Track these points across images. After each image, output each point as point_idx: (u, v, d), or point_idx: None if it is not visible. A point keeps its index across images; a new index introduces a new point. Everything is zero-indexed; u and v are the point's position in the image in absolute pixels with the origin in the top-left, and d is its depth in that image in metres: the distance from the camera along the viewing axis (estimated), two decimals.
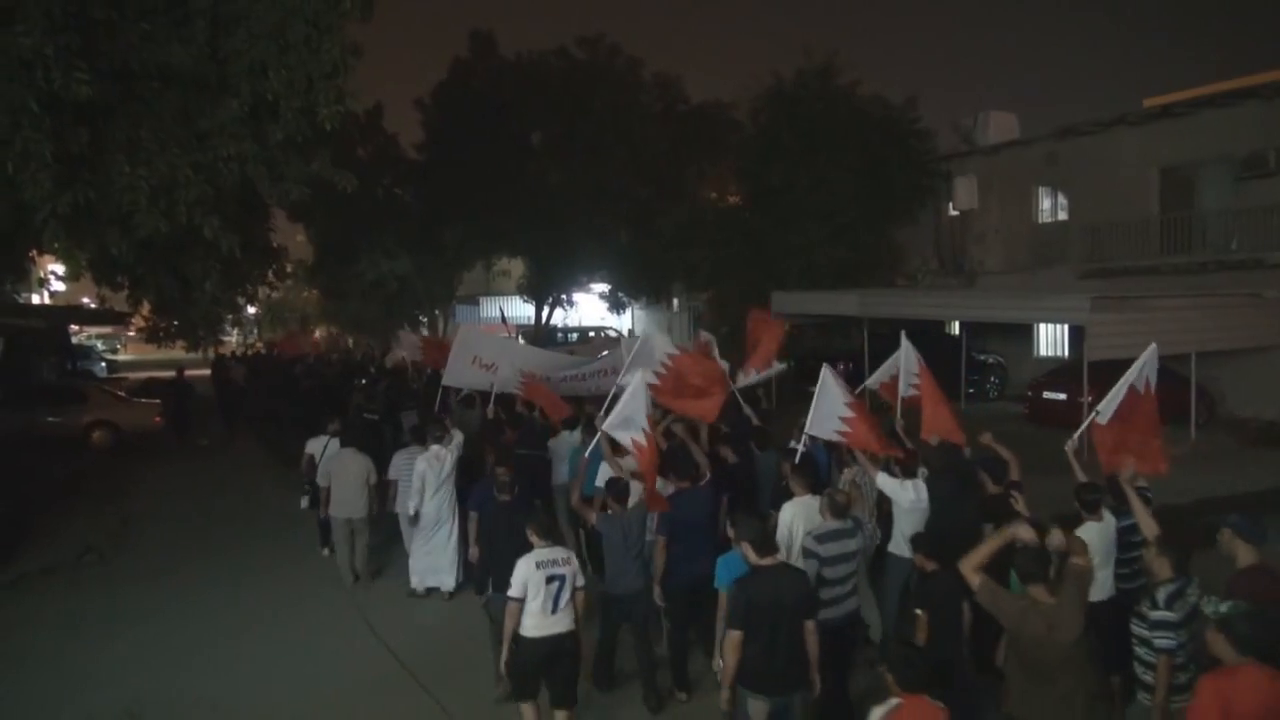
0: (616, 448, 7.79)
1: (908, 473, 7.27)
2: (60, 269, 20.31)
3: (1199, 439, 15.82)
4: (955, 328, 23.04)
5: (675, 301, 35.89)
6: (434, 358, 16.53)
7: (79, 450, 17.75)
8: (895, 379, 9.69)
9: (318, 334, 44.90)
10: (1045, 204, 23.26)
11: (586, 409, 10.32)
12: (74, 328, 36.04)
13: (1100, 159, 20.72)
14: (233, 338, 48.59)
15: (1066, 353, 21.33)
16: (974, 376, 21.25)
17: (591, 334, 33.72)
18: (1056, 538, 5.29)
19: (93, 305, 35.14)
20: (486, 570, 7.17)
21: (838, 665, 5.45)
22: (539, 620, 5.82)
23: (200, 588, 9.81)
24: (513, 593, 5.80)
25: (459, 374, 12.02)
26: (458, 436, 9.41)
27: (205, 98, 9.74)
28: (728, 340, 23.71)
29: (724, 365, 10.40)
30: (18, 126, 8.24)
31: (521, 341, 27.54)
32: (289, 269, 33.65)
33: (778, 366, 12.06)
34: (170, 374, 22.13)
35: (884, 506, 7.62)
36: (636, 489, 7.28)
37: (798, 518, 6.63)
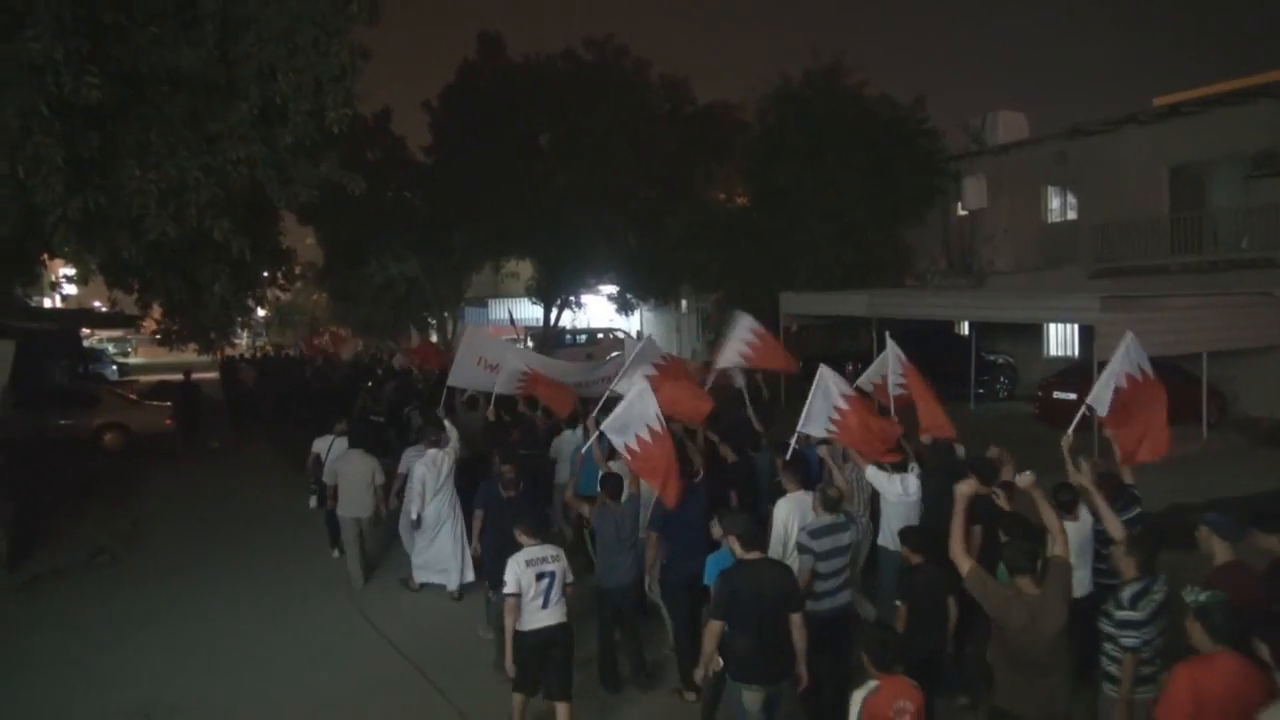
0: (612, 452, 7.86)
1: (898, 468, 7.41)
2: (71, 272, 20.38)
3: (1211, 439, 15.73)
4: (965, 328, 22.97)
5: (683, 303, 35.89)
6: (424, 356, 16.65)
7: (90, 452, 17.84)
8: (886, 379, 9.70)
9: (327, 336, 45.06)
10: (1055, 203, 23.17)
11: (586, 408, 10.42)
12: (85, 331, 36.23)
13: (1110, 158, 20.63)
14: (243, 340, 48.77)
15: (1077, 353, 21.23)
16: (983, 377, 21.18)
17: (600, 335, 33.71)
18: (1025, 478, 5.34)
19: (104, 309, 35.34)
20: (495, 566, 7.27)
21: (831, 656, 5.49)
22: (533, 615, 6.04)
23: (210, 588, 9.85)
24: (508, 589, 6.01)
25: (464, 375, 12.07)
26: (453, 438, 9.47)
27: (214, 101, 9.79)
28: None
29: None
30: (28, 130, 8.30)
31: (530, 344, 27.62)
32: (298, 271, 33.77)
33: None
34: (180, 377, 22.24)
35: (877, 501, 7.75)
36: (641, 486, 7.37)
37: (792, 514, 6.73)
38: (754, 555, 5.53)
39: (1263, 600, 4.77)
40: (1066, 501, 6.18)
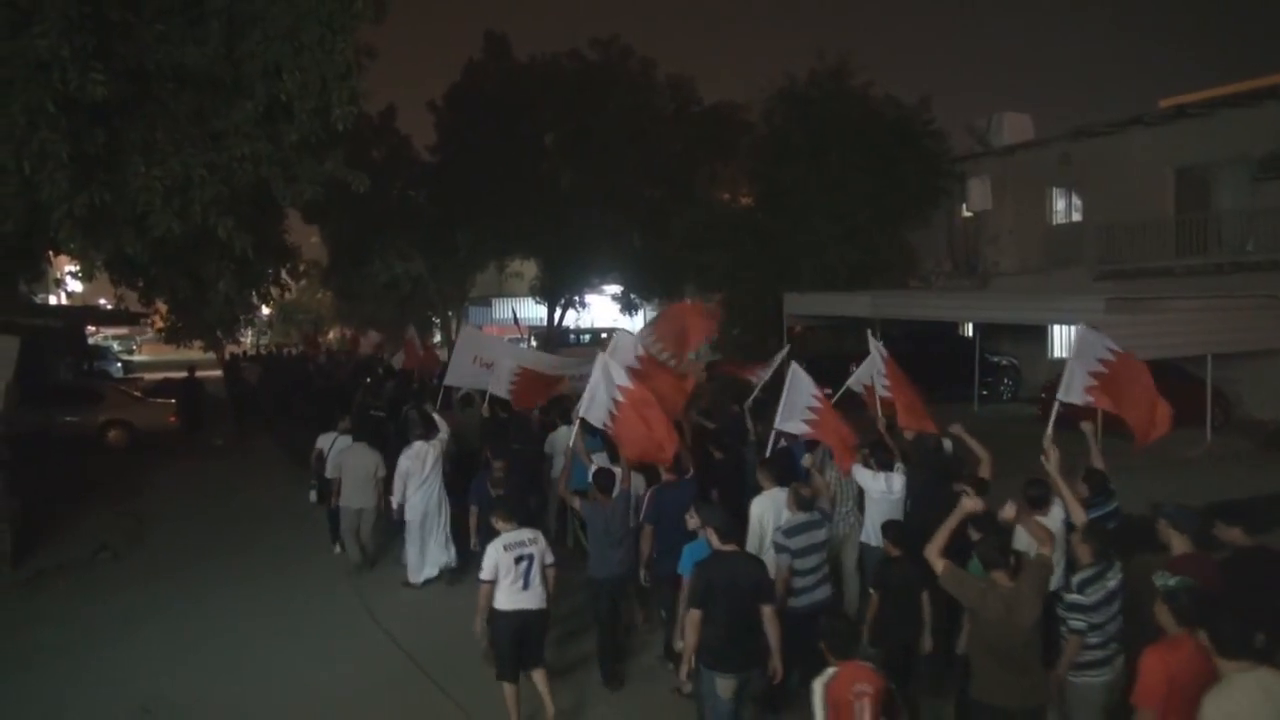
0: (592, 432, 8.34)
1: (883, 465, 7.57)
2: (75, 269, 20.45)
3: (1215, 441, 15.70)
4: (969, 329, 22.94)
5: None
6: (419, 363, 16.94)
7: (94, 449, 17.87)
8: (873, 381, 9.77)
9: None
10: (1060, 205, 23.14)
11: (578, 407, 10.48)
12: (90, 328, 36.30)
13: (1115, 160, 20.59)
14: (248, 338, 48.84)
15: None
16: (987, 379, 21.16)
17: (604, 335, 33.69)
18: (1009, 509, 5.58)
19: (109, 306, 35.41)
20: None
21: (806, 651, 5.53)
22: (511, 596, 6.28)
23: (212, 585, 9.86)
24: (483, 575, 6.30)
25: (461, 373, 12.28)
26: (443, 432, 9.66)
27: (220, 98, 9.82)
28: (735, 343, 23.79)
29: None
30: (35, 127, 8.32)
31: (534, 344, 27.62)
32: (303, 269, 33.81)
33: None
34: (183, 374, 22.28)
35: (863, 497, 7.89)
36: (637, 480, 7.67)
37: (767, 511, 6.92)
38: (730, 547, 5.70)
39: (1219, 588, 4.95)
40: (1037, 497, 6.29)
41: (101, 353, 37.43)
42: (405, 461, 9.41)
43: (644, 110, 29.99)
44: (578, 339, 33.05)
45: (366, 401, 13.87)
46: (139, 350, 54.34)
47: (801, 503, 6.60)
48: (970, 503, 5.42)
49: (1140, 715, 4.22)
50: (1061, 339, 22.53)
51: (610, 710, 6.95)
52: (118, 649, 8.22)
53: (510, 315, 38.31)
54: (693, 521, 6.25)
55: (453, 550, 9.56)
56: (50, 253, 13.99)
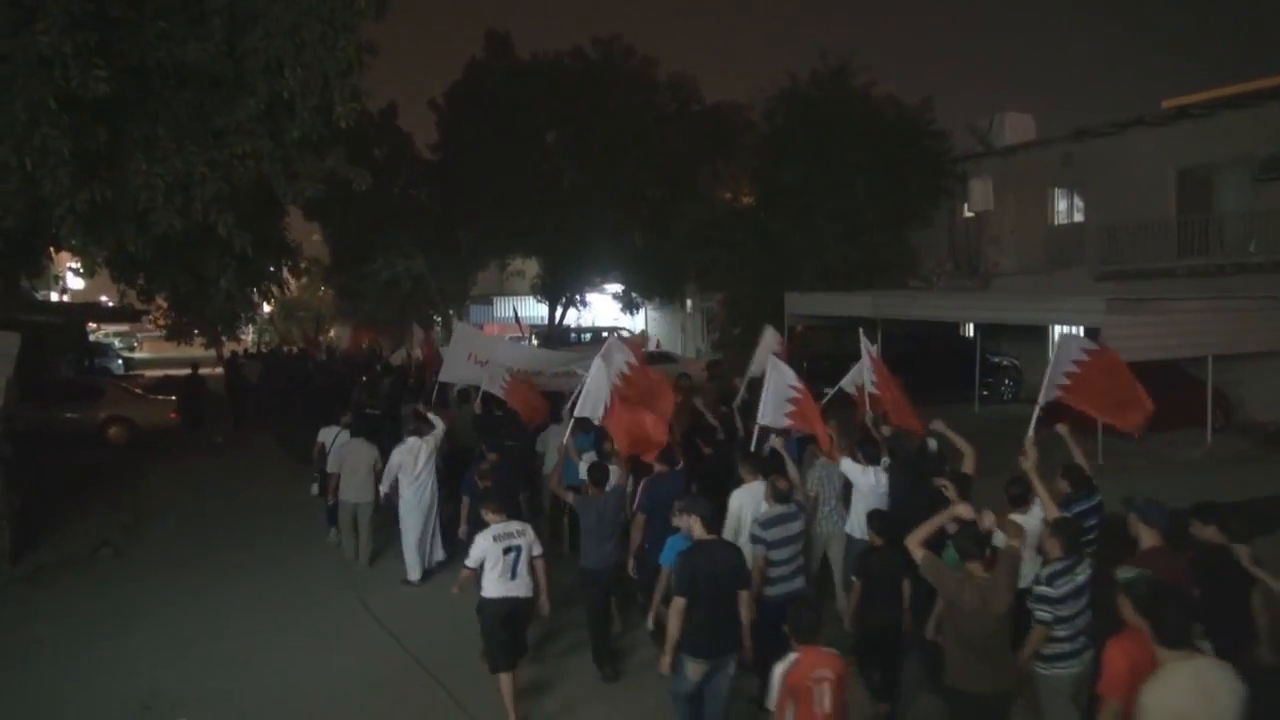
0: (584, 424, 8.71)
1: (871, 459, 7.81)
2: (76, 266, 20.42)
3: (1216, 442, 15.69)
4: (970, 330, 22.92)
5: (689, 302, 35.87)
6: (433, 358, 17.00)
7: (95, 445, 17.89)
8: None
9: (332, 332, 45.11)
10: (1061, 205, 23.09)
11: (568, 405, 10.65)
12: (91, 325, 36.32)
13: (1117, 160, 20.57)
14: (249, 335, 48.83)
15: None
16: (988, 379, 21.13)
17: (605, 334, 33.68)
18: (988, 519, 5.84)
19: (110, 303, 35.43)
20: None
21: (779, 640, 5.59)
22: (500, 585, 6.52)
23: (212, 581, 9.88)
24: (468, 563, 6.62)
25: (455, 370, 12.48)
26: (438, 429, 9.84)
27: (221, 95, 9.84)
28: (736, 342, 23.77)
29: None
30: (36, 123, 8.34)
31: (535, 342, 27.61)
32: (304, 267, 33.77)
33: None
34: (185, 371, 22.30)
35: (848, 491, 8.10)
36: (613, 473, 7.84)
37: (745, 504, 7.11)
38: (712, 537, 5.89)
39: (1184, 582, 5.06)
40: (1017, 495, 6.47)
41: (102, 350, 37.44)
42: (398, 455, 9.61)
43: (646, 109, 30.01)
44: (579, 338, 33.04)
45: (362, 399, 13.97)
46: (140, 347, 54.33)
47: (778, 495, 6.79)
48: (963, 509, 5.57)
49: (1105, 705, 4.32)
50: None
51: (607, 707, 6.97)
52: (118, 644, 8.23)
53: (511, 314, 38.31)
54: (676, 518, 6.34)
55: (440, 547, 9.84)
56: (51, 249, 14.00)
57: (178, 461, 16.95)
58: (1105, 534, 6.78)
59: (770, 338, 11.89)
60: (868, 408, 9.42)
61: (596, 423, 8.58)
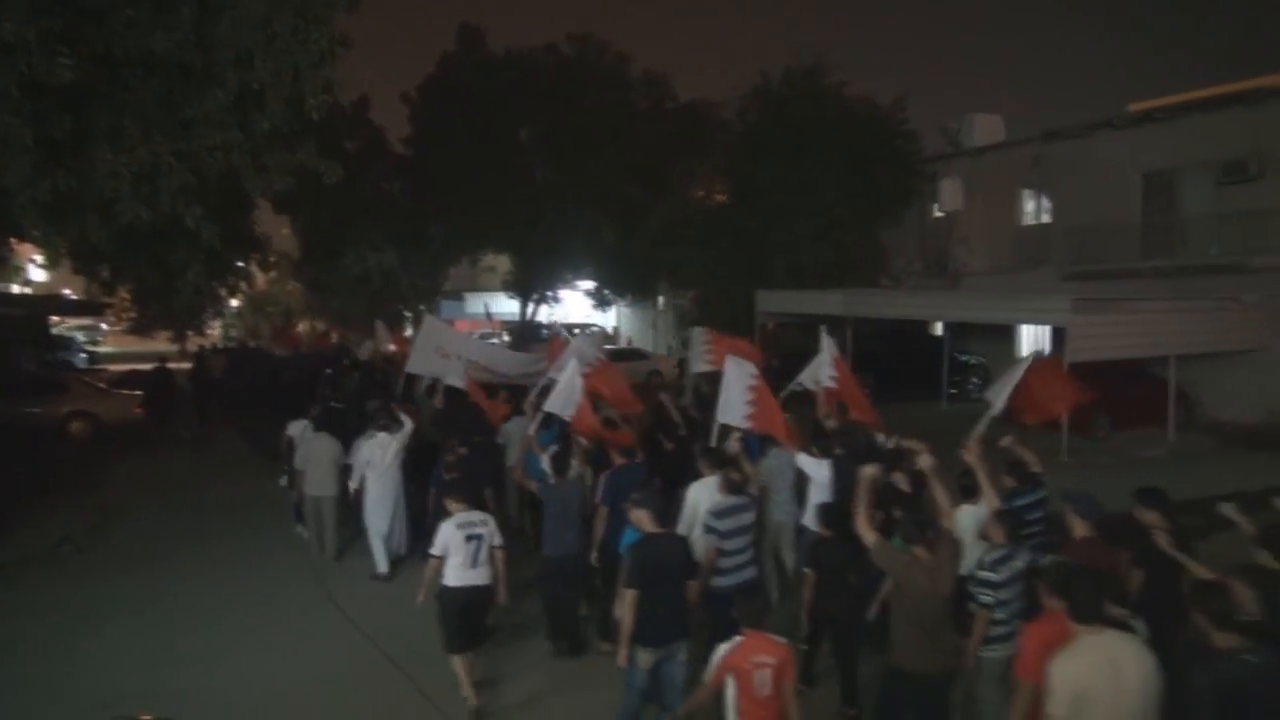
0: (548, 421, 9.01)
1: (824, 453, 8.01)
2: (40, 257, 20.12)
3: (1178, 441, 15.96)
4: (939, 328, 23.14)
5: (660, 299, 35.92)
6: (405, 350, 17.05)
7: (58, 441, 17.59)
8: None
9: (300, 326, 44.63)
10: (1029, 206, 23.39)
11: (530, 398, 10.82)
12: (54, 319, 35.73)
13: (1084, 163, 20.85)
14: (216, 330, 48.25)
15: (1048, 354, 21.45)
16: (956, 377, 21.35)
17: (576, 331, 33.66)
18: (925, 461, 6.19)
19: (74, 296, 34.89)
20: None
21: (730, 629, 5.71)
22: (461, 573, 6.70)
23: (178, 578, 9.75)
24: (433, 551, 6.76)
25: (422, 362, 12.48)
26: (407, 426, 9.84)
27: (190, 86, 9.70)
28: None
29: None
30: None
31: (507, 339, 27.55)
32: (273, 260, 33.42)
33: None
34: (151, 365, 21.99)
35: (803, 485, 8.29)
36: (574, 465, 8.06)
37: (702, 496, 7.26)
38: (661, 530, 6.07)
39: (1110, 569, 5.40)
40: (968, 486, 6.66)
41: (66, 343, 36.78)
42: (367, 450, 9.64)
43: (619, 106, 30.00)
44: (550, 334, 32.99)
45: (327, 393, 13.91)
46: (104, 341, 53.48)
47: (732, 487, 6.97)
48: (870, 470, 5.84)
49: (1020, 687, 4.57)
50: (1029, 339, 22.80)
51: (566, 701, 7.05)
52: (80, 642, 8.11)
53: (483, 309, 38.17)
54: (629, 512, 6.42)
55: (404, 540, 9.93)
56: (13, 240, 13.78)
57: (143, 457, 16.71)
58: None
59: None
60: (823, 403, 9.66)
61: (567, 418, 8.71)
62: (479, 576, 6.77)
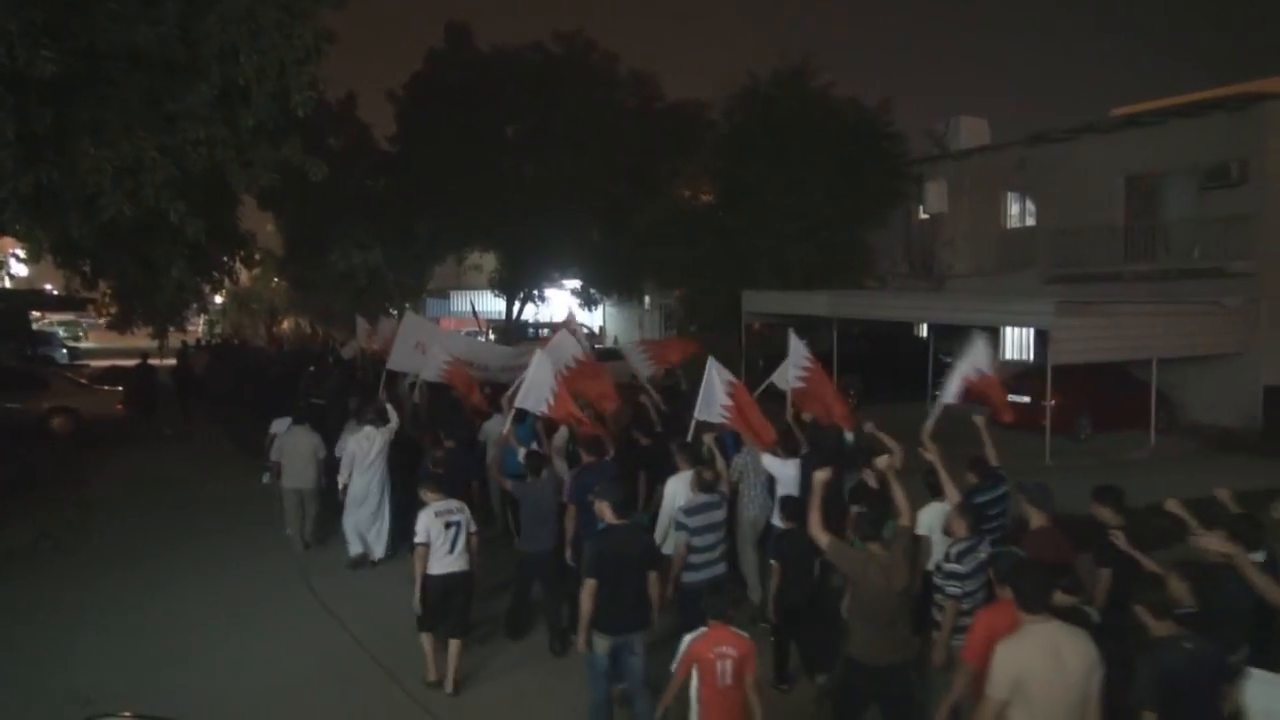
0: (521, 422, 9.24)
1: (790, 452, 8.23)
2: (21, 252, 19.87)
3: (1159, 444, 16.08)
4: (923, 330, 23.23)
5: (646, 299, 35.94)
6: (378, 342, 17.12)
7: (38, 437, 17.43)
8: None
9: (285, 324, 44.44)
10: (1014, 209, 23.50)
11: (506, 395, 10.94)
12: (35, 314, 35.42)
13: (1068, 166, 20.97)
14: (199, 327, 47.94)
15: (1031, 356, 21.58)
16: (940, 379, 21.41)
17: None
18: (883, 461, 6.32)
19: (55, 291, 34.57)
20: None
21: (698, 622, 5.79)
22: (441, 561, 6.95)
23: (158, 575, 9.69)
24: (417, 539, 6.95)
25: (403, 359, 12.53)
26: (393, 423, 10.04)
27: (174, 80, 9.63)
28: (695, 337, 23.85)
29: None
30: None
31: (492, 337, 27.48)
32: (257, 257, 33.18)
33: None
34: (134, 361, 21.82)
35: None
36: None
37: (678, 491, 7.51)
38: (622, 521, 6.16)
39: (1067, 557, 5.64)
40: (934, 484, 6.80)
41: (47, 338, 36.48)
42: (354, 443, 9.78)
43: (606, 105, 29.98)
44: (536, 333, 32.94)
45: (310, 389, 14.00)
46: (85, 337, 53.04)
47: (704, 485, 7.21)
48: (822, 474, 5.90)
49: (962, 669, 4.88)
50: (1013, 341, 22.92)
51: (529, 676, 7.29)
52: (58, 638, 8.04)
53: (469, 308, 38.10)
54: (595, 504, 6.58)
55: (384, 537, 9.97)
56: None
57: (124, 454, 16.60)
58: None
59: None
60: (789, 402, 9.94)
61: (539, 413, 9.01)
62: (457, 563, 7.01)
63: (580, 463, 8.36)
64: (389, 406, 10.40)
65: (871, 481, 7.23)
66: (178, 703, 6.78)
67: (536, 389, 8.93)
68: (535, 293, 34.50)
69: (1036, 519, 6.09)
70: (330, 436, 10.85)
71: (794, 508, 6.96)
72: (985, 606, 5.16)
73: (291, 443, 10.51)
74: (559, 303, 36.82)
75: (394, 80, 35.72)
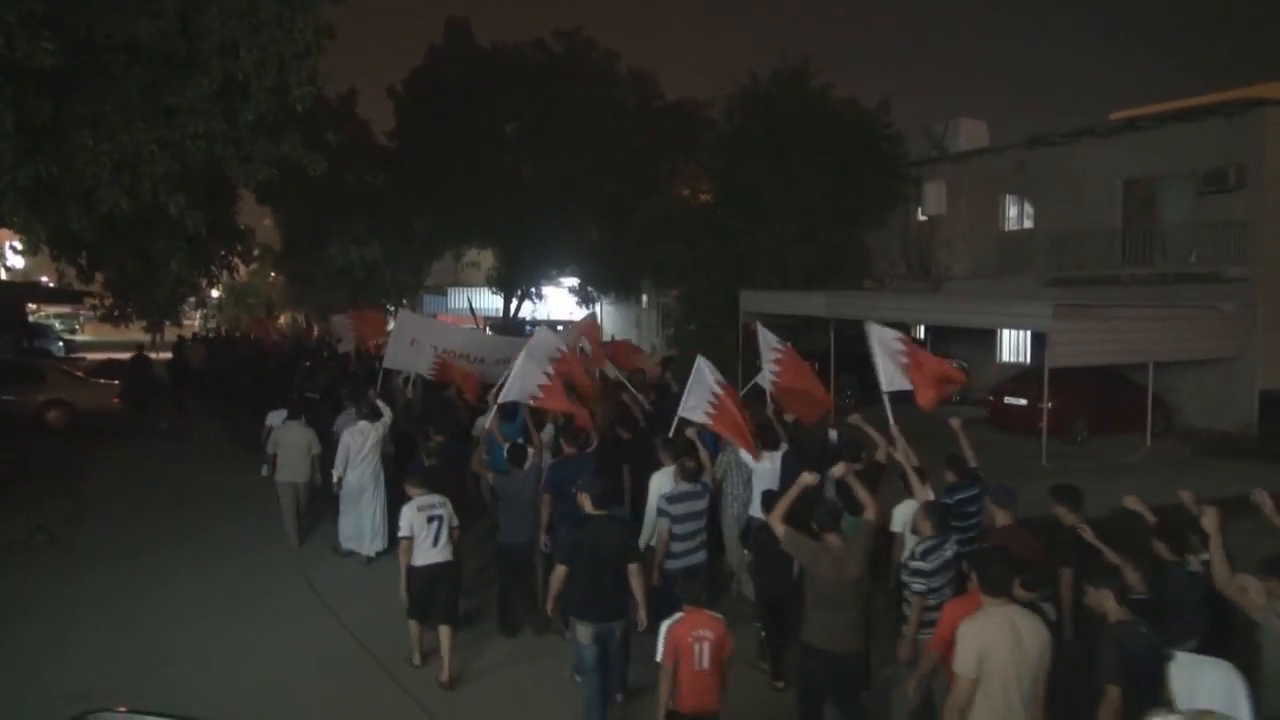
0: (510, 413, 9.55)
1: (770, 446, 8.46)
2: (18, 244, 19.85)
3: (1154, 447, 16.10)
4: (921, 331, 23.24)
5: (644, 298, 35.91)
6: (363, 332, 17.20)
7: (33, 430, 17.38)
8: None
9: (282, 319, 44.39)
10: (1012, 212, 23.50)
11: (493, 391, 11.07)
12: (31, 306, 35.36)
13: (1067, 169, 20.98)
14: (195, 321, 47.88)
15: (1028, 359, 21.60)
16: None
17: (559, 327, 33.62)
18: (840, 468, 6.48)
19: (51, 284, 34.50)
20: None
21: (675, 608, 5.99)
22: (425, 553, 7.19)
23: (154, 568, 9.68)
24: (401, 533, 7.22)
25: (398, 357, 12.72)
26: (386, 417, 10.23)
27: (174, 74, 9.61)
28: (691, 338, 23.87)
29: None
30: None
31: (489, 333, 27.49)
32: (255, 251, 33.19)
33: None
34: (129, 355, 21.80)
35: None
36: (531, 455, 8.50)
37: (663, 484, 7.66)
38: (600, 513, 6.33)
39: (1034, 553, 5.89)
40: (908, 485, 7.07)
41: (43, 331, 36.42)
42: (348, 437, 9.94)
43: (606, 103, 29.95)
44: (533, 330, 32.93)
45: (304, 383, 14.10)
46: (82, 330, 52.97)
47: (686, 474, 7.44)
48: (808, 477, 6.09)
49: (929, 657, 5.19)
50: (1010, 343, 22.95)
51: (524, 670, 7.38)
52: (52, 632, 8.02)
53: (466, 305, 38.09)
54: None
55: (383, 531, 10.03)
56: None
57: (120, 448, 16.56)
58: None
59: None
60: (768, 399, 10.12)
61: (528, 403, 9.29)
62: (440, 554, 7.25)
63: (561, 454, 8.53)
64: (379, 403, 10.51)
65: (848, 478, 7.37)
66: (173, 698, 6.76)
67: (523, 381, 9.18)
68: (533, 290, 34.46)
69: (1001, 518, 6.36)
70: (324, 431, 10.99)
71: (772, 501, 7.01)
72: (954, 599, 5.39)
73: (286, 436, 10.66)
74: (556, 301, 36.79)
75: (394, 76, 35.73)
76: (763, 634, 7.25)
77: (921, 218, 24.94)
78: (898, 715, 5.81)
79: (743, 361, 19.65)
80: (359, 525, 10.02)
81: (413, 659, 7.33)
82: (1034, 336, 20.39)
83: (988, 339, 22.74)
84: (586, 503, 6.36)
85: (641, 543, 7.17)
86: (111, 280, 21.43)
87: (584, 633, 6.12)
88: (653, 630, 5.74)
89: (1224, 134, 17.94)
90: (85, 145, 8.98)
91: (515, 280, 33.50)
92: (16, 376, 18.70)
